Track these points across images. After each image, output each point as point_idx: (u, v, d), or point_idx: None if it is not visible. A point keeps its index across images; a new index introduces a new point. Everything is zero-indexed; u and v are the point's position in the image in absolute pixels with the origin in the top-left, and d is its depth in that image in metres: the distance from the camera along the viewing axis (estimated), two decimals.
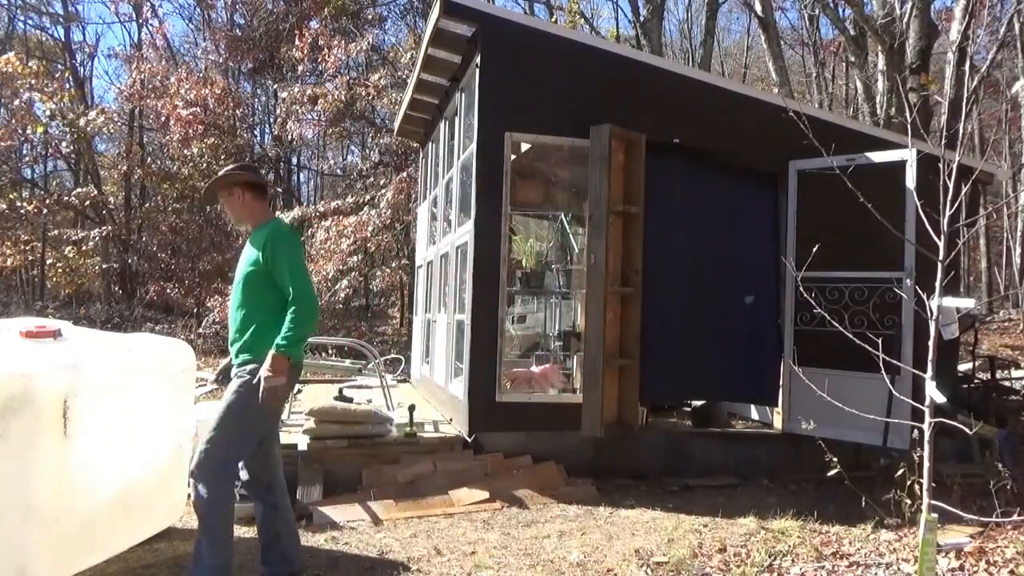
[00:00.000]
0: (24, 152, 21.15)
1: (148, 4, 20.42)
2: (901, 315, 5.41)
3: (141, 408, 3.84)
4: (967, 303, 6.98)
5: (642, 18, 15.05)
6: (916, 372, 3.33)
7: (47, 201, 17.33)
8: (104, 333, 4.46)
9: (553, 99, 5.87)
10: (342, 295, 14.63)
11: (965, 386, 7.84)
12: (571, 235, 7.58)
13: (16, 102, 15.70)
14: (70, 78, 20.79)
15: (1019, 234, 19.48)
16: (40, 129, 16.38)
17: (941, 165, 3.18)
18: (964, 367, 8.72)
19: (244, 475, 3.36)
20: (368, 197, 15.01)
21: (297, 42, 15.22)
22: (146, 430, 3.90)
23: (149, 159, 20.16)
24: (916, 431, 3.65)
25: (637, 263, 5.64)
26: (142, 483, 3.89)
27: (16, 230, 17.18)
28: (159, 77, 17.20)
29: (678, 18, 26.56)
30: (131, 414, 3.74)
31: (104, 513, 3.58)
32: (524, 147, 6.36)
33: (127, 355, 3.86)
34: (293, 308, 3.14)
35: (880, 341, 3.38)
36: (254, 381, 3.13)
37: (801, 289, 4.07)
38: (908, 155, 5.44)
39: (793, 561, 3.83)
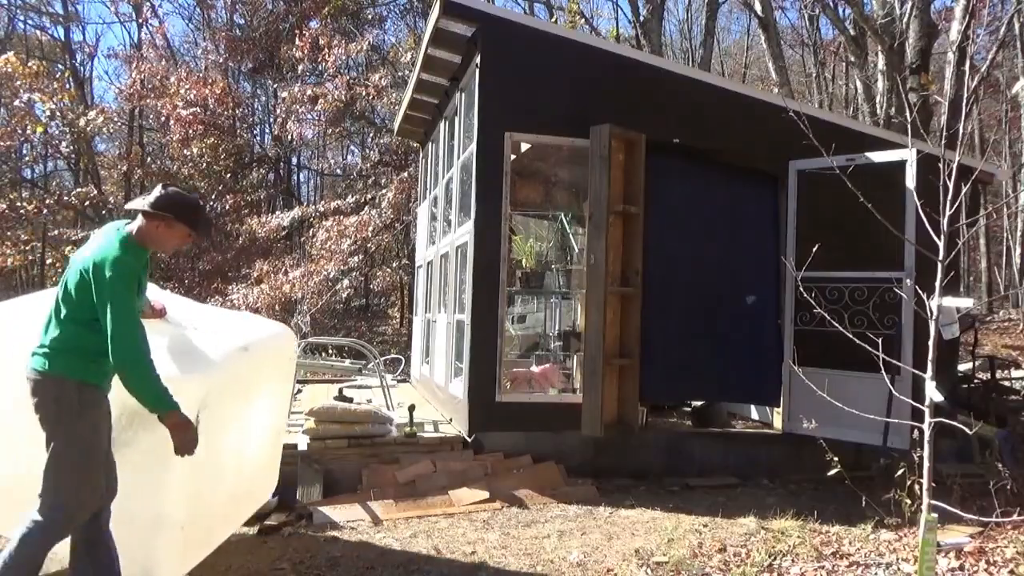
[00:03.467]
0: (24, 152, 21.13)
1: (148, 4, 20.42)
2: (901, 315, 5.41)
3: (255, 402, 3.80)
4: (967, 303, 6.98)
5: (642, 18, 15.03)
6: (916, 372, 3.33)
7: (47, 201, 17.30)
8: (203, 309, 4.18)
9: (553, 99, 5.87)
10: (343, 295, 14.63)
11: (965, 386, 7.84)
12: (571, 235, 7.58)
13: (16, 102, 15.68)
14: (70, 78, 20.77)
15: (1019, 234, 19.47)
16: (40, 129, 16.36)
17: (941, 165, 3.18)
18: (964, 367, 8.72)
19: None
20: (369, 197, 15.01)
21: (298, 42, 15.22)
22: (256, 421, 3.87)
23: (149, 159, 20.16)
24: (916, 431, 3.66)
25: (637, 263, 5.64)
26: (248, 471, 3.90)
27: (16, 230, 17.16)
28: (159, 77, 17.19)
29: (678, 18, 26.54)
30: (247, 410, 3.71)
31: (219, 508, 3.59)
32: (524, 147, 6.36)
33: (248, 353, 3.66)
34: None
35: (880, 341, 3.39)
36: None
37: (801, 289, 4.07)
38: (908, 155, 5.44)
39: (793, 561, 3.83)
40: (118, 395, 3.02)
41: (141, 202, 3.03)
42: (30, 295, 3.79)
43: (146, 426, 3.04)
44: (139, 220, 3.01)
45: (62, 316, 2.89)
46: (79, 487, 2.87)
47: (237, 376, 3.50)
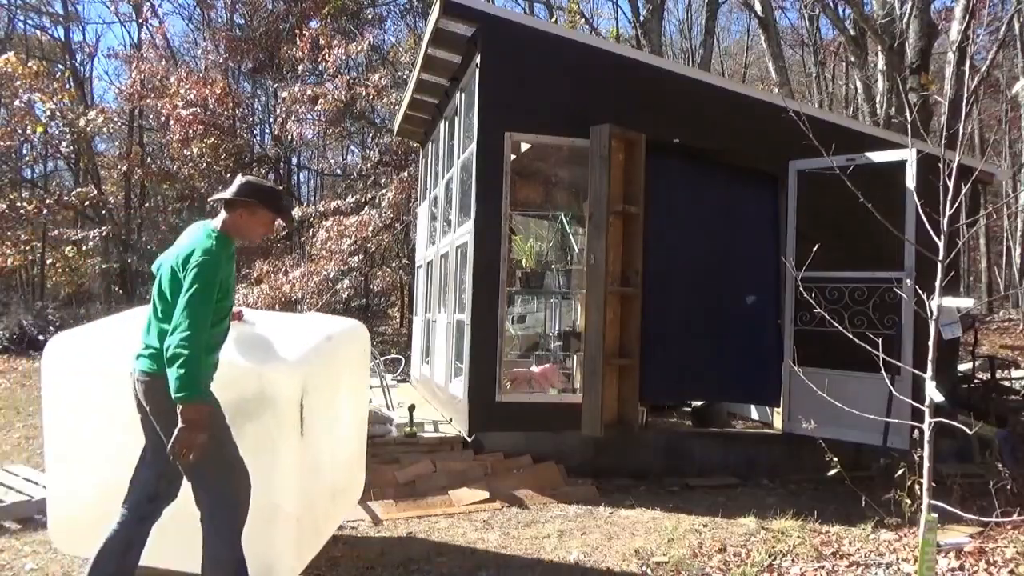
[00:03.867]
0: (24, 152, 21.15)
1: (148, 4, 20.42)
2: (901, 315, 5.41)
3: (340, 394, 3.84)
4: (967, 303, 6.98)
5: (642, 18, 15.03)
6: (916, 372, 3.33)
7: (47, 201, 17.31)
8: (275, 313, 4.21)
9: (553, 99, 5.87)
10: (343, 295, 14.62)
11: (965, 386, 7.84)
12: (571, 235, 7.58)
13: (16, 102, 15.69)
14: (70, 78, 20.78)
15: (1019, 234, 19.48)
16: (40, 129, 16.37)
17: (941, 165, 3.18)
18: (964, 367, 8.72)
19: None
20: (369, 197, 15.01)
21: (298, 42, 15.22)
22: (343, 414, 3.90)
23: (149, 159, 20.16)
24: (916, 431, 3.66)
25: (637, 263, 5.64)
26: (343, 467, 3.94)
27: (16, 230, 17.16)
28: (159, 77, 17.18)
29: (678, 18, 26.56)
30: (334, 402, 3.74)
31: (323, 501, 3.63)
32: (524, 147, 6.36)
33: (332, 343, 3.70)
34: None
35: (880, 341, 3.38)
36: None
37: (801, 289, 4.07)
38: (908, 155, 5.44)
39: (793, 561, 3.83)
40: (241, 388, 3.12)
41: (223, 193, 3.08)
42: (125, 313, 3.82)
43: (250, 417, 3.11)
44: (222, 213, 3.06)
45: (160, 315, 2.91)
46: (226, 475, 2.91)
47: (326, 366, 3.53)
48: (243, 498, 2.96)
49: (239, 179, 3.10)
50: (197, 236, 2.97)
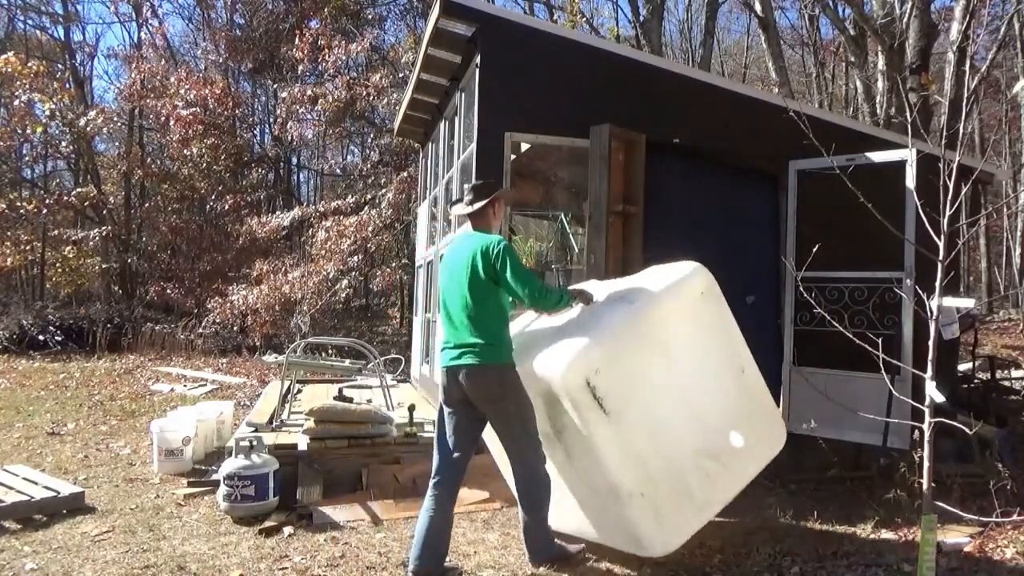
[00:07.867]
0: (24, 152, 21.15)
1: (148, 4, 20.43)
2: (901, 315, 5.41)
3: (681, 356, 3.66)
4: (967, 303, 6.97)
5: (642, 18, 15.04)
6: (916, 372, 3.33)
7: (47, 201, 17.31)
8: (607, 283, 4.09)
9: (553, 99, 5.87)
10: (342, 295, 14.63)
11: (965, 386, 7.83)
12: (571, 235, 7.58)
13: (16, 102, 15.68)
14: (70, 78, 20.79)
15: (1019, 234, 19.50)
16: (40, 129, 16.36)
17: (941, 165, 3.18)
18: (964, 367, 8.72)
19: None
20: (369, 197, 15.02)
21: (298, 42, 15.22)
22: (692, 372, 3.72)
23: (149, 159, 20.16)
24: (916, 431, 3.66)
25: (637, 263, 5.64)
26: (720, 424, 3.79)
27: (16, 230, 17.16)
28: (159, 77, 17.19)
29: (678, 18, 26.58)
30: (670, 367, 3.61)
31: (692, 470, 3.63)
32: (524, 147, 6.36)
33: (631, 307, 3.58)
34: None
35: (880, 341, 3.39)
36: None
37: (801, 289, 4.07)
38: (908, 155, 5.44)
39: (793, 561, 3.83)
40: (535, 386, 3.46)
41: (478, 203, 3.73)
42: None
43: (556, 405, 3.42)
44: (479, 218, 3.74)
45: (471, 314, 3.50)
46: (537, 449, 3.54)
47: (627, 339, 3.51)
48: (546, 475, 3.51)
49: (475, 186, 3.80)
50: (475, 237, 3.62)
